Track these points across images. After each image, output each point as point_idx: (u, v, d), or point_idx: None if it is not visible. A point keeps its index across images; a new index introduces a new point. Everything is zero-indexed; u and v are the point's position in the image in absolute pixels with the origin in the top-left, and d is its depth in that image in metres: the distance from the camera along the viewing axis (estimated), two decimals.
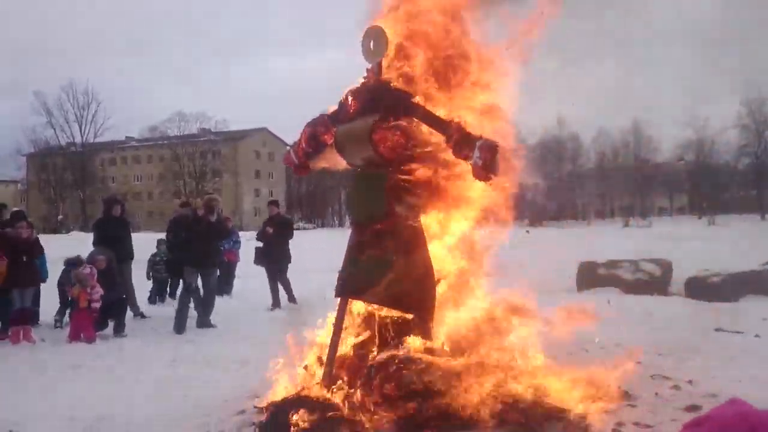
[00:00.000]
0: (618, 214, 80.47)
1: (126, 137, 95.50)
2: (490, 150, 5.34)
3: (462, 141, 5.51)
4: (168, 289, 14.72)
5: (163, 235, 15.06)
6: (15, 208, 13.57)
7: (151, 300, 14.28)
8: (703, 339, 8.77)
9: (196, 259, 11.34)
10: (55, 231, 58.39)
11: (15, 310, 10.09)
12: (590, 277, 14.87)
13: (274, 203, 15.18)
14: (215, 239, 11.83)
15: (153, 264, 14.74)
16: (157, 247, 14.98)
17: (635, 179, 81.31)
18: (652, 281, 14.11)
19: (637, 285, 13.95)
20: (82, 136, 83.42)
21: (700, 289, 13.04)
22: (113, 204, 12.57)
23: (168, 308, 13.30)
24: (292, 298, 13.81)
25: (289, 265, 14.16)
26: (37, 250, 10.73)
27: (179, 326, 10.85)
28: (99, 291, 10.23)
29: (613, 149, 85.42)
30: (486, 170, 5.38)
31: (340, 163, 6.54)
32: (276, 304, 13.46)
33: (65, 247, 14.81)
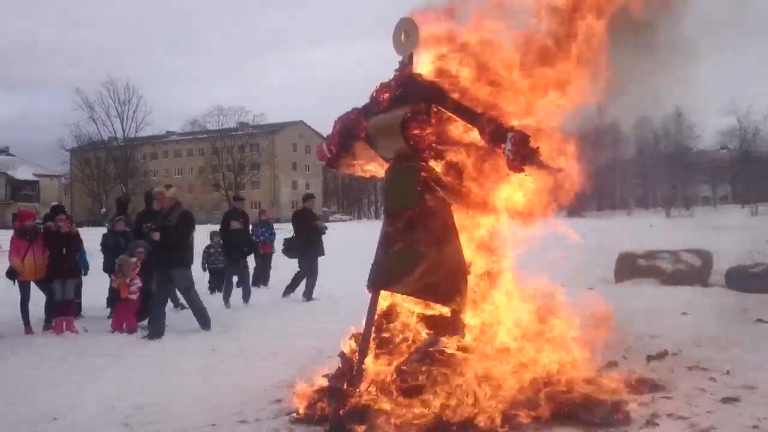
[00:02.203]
0: (659, 203, 78.99)
1: (167, 132, 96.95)
2: (523, 141, 5.31)
3: (495, 132, 5.49)
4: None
5: (212, 227, 15.43)
6: (54, 203, 13.91)
7: (211, 290, 14.51)
8: (743, 330, 8.63)
9: (156, 259, 10.35)
10: (98, 224, 59.52)
11: (57, 302, 10.36)
12: (629, 268, 14.68)
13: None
14: (169, 236, 10.01)
15: (208, 255, 14.98)
16: (211, 238, 15.23)
17: (677, 168, 79.70)
18: (692, 272, 13.88)
19: (677, 276, 13.73)
20: (123, 131, 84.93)
21: (741, 279, 12.77)
22: (153, 199, 12.76)
23: (216, 300, 13.56)
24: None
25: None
26: (76, 243, 10.98)
27: (204, 323, 10.28)
28: (137, 283, 10.45)
29: (654, 137, 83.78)
30: (519, 162, 5.35)
31: (374, 168, 6.60)
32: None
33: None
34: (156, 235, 9.97)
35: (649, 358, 7.25)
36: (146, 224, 10.62)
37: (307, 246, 13.88)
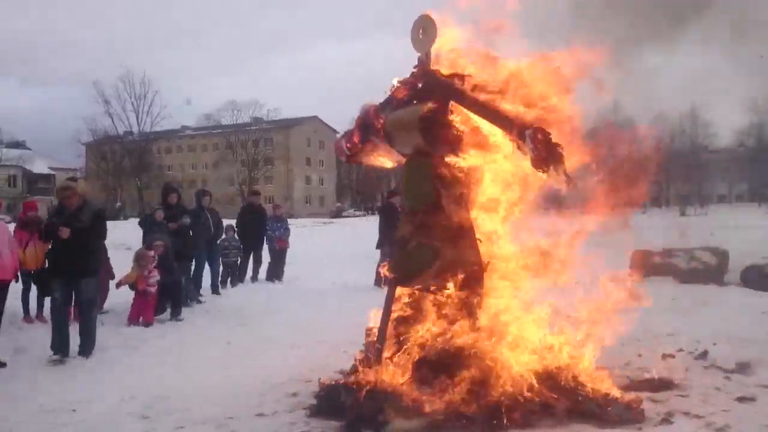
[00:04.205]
0: (674, 201, 78.41)
1: (181, 126, 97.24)
2: (542, 137, 5.28)
3: (516, 129, 5.48)
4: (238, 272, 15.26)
5: (227, 222, 15.54)
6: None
7: (223, 284, 14.58)
8: (759, 329, 8.59)
9: (61, 265, 8.45)
10: (113, 218, 59.87)
11: None
12: (644, 266, 14.59)
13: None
14: (81, 240, 8.29)
15: (222, 249, 15.03)
16: (225, 232, 15.29)
17: (693, 166, 79.06)
18: (708, 270, 13.81)
19: (692, 274, 13.67)
20: (138, 125, 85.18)
21: (757, 278, 12.72)
22: (169, 192, 12.91)
23: (229, 293, 13.77)
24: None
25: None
26: None
27: (58, 345, 8.20)
28: (155, 276, 10.54)
29: (670, 134, 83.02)
30: (542, 160, 5.30)
31: (390, 159, 6.62)
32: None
33: (124, 233, 15.23)
34: (65, 232, 8.16)
35: (665, 356, 7.26)
36: (48, 222, 8.86)
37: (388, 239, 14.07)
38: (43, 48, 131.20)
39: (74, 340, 8.33)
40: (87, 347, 8.39)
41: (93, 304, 8.70)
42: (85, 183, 9.12)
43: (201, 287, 13.02)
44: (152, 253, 10.79)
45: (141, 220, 13.31)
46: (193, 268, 12.87)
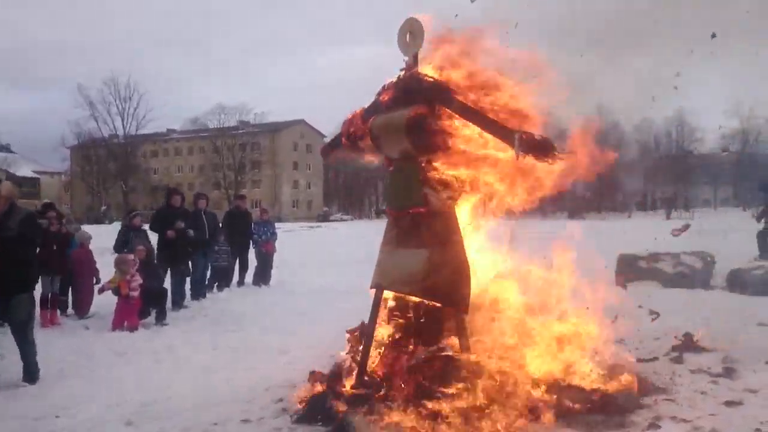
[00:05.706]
0: (660, 205, 78.89)
1: (167, 129, 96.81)
2: (528, 137, 5.26)
3: (502, 132, 5.47)
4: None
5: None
6: (46, 200, 14.02)
7: (209, 288, 14.45)
8: (745, 333, 8.62)
9: None
10: (98, 221, 59.53)
11: (45, 296, 10.61)
12: (630, 270, 14.65)
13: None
14: (10, 251, 7.13)
15: (212, 253, 14.85)
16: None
17: (678, 170, 79.62)
18: (694, 274, 13.86)
19: (678, 278, 13.72)
20: (124, 129, 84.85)
21: (743, 282, 12.78)
22: (173, 194, 12.92)
23: (216, 298, 13.72)
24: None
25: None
26: (65, 241, 11.31)
27: (30, 374, 7.41)
28: (138, 280, 10.47)
29: (655, 139, 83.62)
30: (535, 157, 5.27)
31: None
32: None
33: (109, 236, 15.04)
34: None
35: (651, 360, 7.27)
36: None
37: None
38: (31, 51, 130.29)
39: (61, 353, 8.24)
40: (31, 373, 7.39)
41: (26, 326, 7.46)
42: (12, 185, 7.61)
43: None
44: (132, 257, 10.72)
45: (118, 242, 12.36)
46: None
